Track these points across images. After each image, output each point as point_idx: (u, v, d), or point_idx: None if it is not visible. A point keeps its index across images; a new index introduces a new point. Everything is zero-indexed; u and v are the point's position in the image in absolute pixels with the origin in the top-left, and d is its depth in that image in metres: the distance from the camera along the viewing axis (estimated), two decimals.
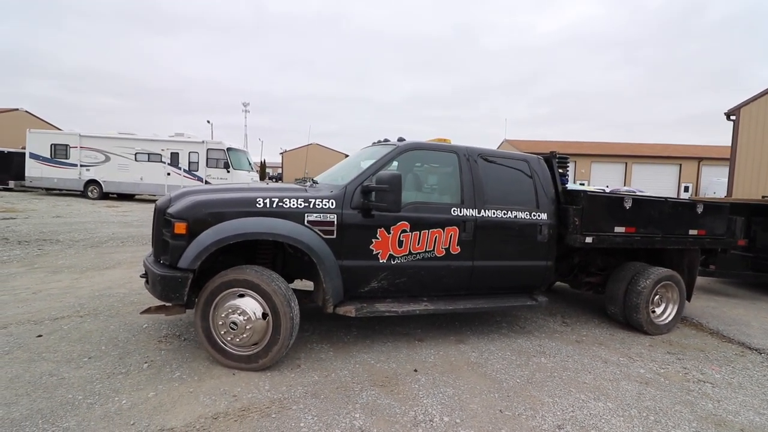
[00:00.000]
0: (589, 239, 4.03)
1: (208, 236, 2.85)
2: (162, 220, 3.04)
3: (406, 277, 3.46)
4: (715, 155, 27.08)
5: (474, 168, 3.77)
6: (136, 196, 19.21)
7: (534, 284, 4.10)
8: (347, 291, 3.30)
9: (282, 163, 62.00)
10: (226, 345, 2.97)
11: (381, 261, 3.34)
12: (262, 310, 2.93)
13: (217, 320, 2.93)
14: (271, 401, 2.60)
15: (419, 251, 3.45)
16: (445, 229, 3.53)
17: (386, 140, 4.15)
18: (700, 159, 27.83)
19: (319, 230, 3.13)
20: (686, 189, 27.54)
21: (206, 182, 16.66)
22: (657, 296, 4.50)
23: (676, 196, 10.39)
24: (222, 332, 2.93)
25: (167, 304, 3.26)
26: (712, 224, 4.74)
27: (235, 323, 2.88)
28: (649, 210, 4.38)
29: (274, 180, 56.90)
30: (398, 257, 3.39)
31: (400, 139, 3.85)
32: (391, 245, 3.35)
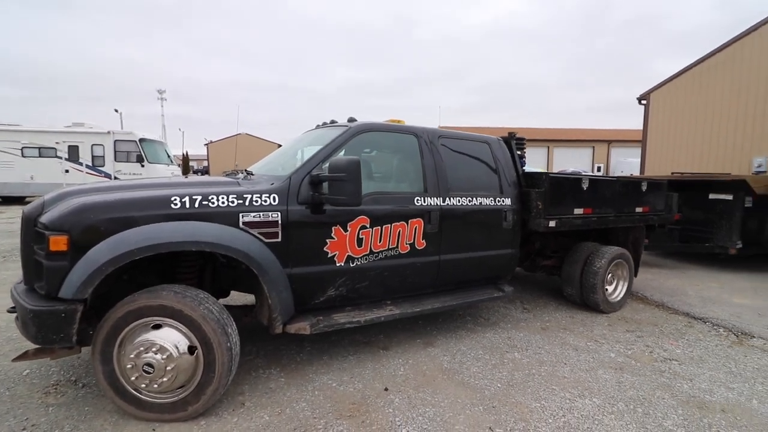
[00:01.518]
0: (552, 223, 3.85)
1: (101, 252, 2.08)
2: (32, 233, 2.20)
3: (368, 280, 2.96)
4: (622, 138, 30.30)
5: (435, 152, 3.36)
6: (27, 199, 16.23)
7: (500, 274, 3.85)
8: (299, 304, 2.73)
9: (207, 155, 57.28)
10: (140, 392, 2.25)
11: (338, 264, 2.80)
12: (187, 343, 2.24)
13: (125, 362, 2.19)
14: None
15: (382, 249, 2.97)
16: (409, 221, 3.08)
17: (333, 122, 3.57)
18: (609, 142, 30.91)
19: (258, 233, 2.50)
20: (599, 169, 30.32)
21: (115, 178, 14.54)
22: (609, 275, 4.52)
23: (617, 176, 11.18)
24: (133, 377, 2.20)
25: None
26: (654, 201, 4.87)
27: (150, 365, 2.17)
28: (603, 190, 4.35)
29: (199, 173, 52.60)
30: (358, 258, 2.87)
31: (351, 120, 3.29)
32: (349, 245, 2.82)
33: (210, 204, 2.40)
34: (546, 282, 5.56)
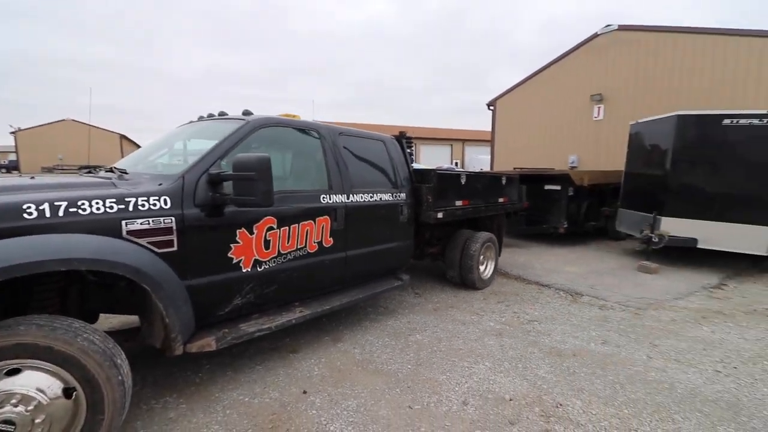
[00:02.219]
0: (440, 215, 4.27)
1: None
2: None
3: (277, 284, 2.82)
4: (474, 137, 34.99)
5: (337, 149, 3.37)
6: None
7: (399, 264, 4.10)
8: (201, 318, 2.44)
9: (15, 145, 44.72)
10: None
11: (245, 270, 2.60)
12: (61, 385, 1.80)
13: None
14: None
15: (290, 250, 2.86)
16: (317, 220, 3.04)
17: (222, 113, 3.24)
18: (464, 140, 35.37)
19: (148, 243, 2.14)
20: (456, 164, 34.41)
21: None
22: (482, 256, 5.26)
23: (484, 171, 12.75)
24: None
25: None
26: (510, 192, 5.82)
27: (9, 422, 1.67)
28: (476, 184, 5.00)
29: (3, 170, 40.85)
30: (266, 262, 2.71)
31: (246, 113, 3.04)
32: (256, 248, 2.64)
33: (80, 211, 1.95)
34: (430, 267, 6.13)
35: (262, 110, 3.11)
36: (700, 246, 6.03)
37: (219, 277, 2.47)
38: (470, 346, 3.43)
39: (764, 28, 8.80)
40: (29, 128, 44.91)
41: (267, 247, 2.71)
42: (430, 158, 32.12)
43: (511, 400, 2.63)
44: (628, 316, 4.29)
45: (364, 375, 2.92)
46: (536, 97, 14.00)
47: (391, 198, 3.79)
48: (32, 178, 2.39)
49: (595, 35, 12.17)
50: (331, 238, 3.16)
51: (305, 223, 2.95)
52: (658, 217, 6.20)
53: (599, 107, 12.07)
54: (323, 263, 3.14)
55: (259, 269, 2.68)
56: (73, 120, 46.44)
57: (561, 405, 2.58)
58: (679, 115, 6.08)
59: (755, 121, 5.57)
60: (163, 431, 2.25)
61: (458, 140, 35.72)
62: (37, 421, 1.72)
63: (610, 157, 10.81)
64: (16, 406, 1.70)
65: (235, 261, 2.55)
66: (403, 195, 3.95)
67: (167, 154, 3.17)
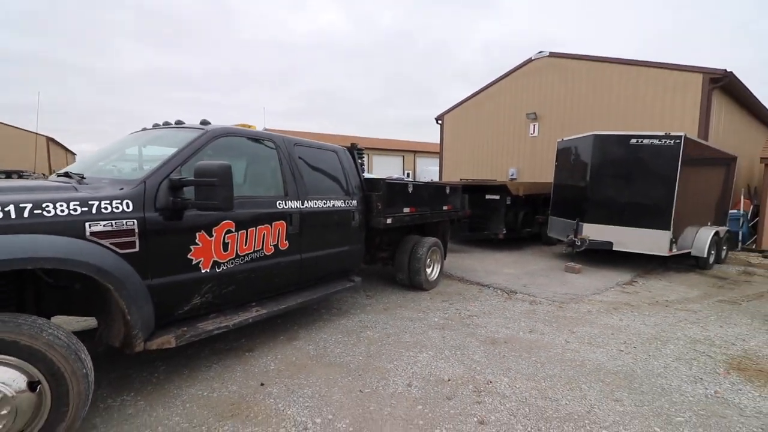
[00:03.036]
0: (389, 220, 4.62)
1: None
2: None
3: (235, 284, 2.99)
4: (425, 149, 36.35)
5: (292, 158, 3.61)
6: None
7: (351, 267, 4.38)
8: (160, 317, 2.56)
9: None
10: None
11: (204, 271, 2.75)
12: (26, 379, 1.88)
13: None
14: None
15: (247, 252, 3.05)
16: (273, 224, 3.25)
17: (179, 122, 3.37)
18: (415, 152, 36.62)
19: (111, 244, 2.25)
20: (408, 175, 35.45)
21: None
22: (428, 260, 5.68)
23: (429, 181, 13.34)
24: None
25: None
26: (454, 201, 6.34)
27: None
28: (422, 192, 5.43)
29: None
30: (224, 263, 2.88)
31: (204, 122, 3.20)
32: (214, 250, 2.81)
33: (45, 213, 2.04)
34: (380, 272, 6.45)
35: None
36: (615, 248, 6.92)
37: (179, 277, 2.61)
38: (416, 339, 3.78)
39: (668, 62, 10.28)
40: None
41: (225, 249, 2.88)
42: (382, 168, 32.80)
43: (449, 380, 3.00)
44: (553, 309, 4.89)
45: (319, 367, 3.15)
46: (480, 114, 15.04)
47: (343, 204, 4.08)
48: None
49: (530, 60, 13.41)
50: (286, 242, 3.38)
51: (262, 227, 3.16)
52: (580, 223, 7.04)
53: (534, 125, 13.25)
54: (279, 265, 3.34)
55: (217, 270, 2.84)
56: None
57: (491, 382, 2.99)
58: (595, 135, 6.99)
59: (655, 141, 6.57)
60: (123, 426, 2.33)
61: (410, 151, 36.86)
62: (2, 413, 1.79)
63: (544, 170, 11.89)
64: None
65: (194, 262, 2.70)
66: (354, 202, 4.26)
67: (123, 160, 3.23)
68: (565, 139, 8.18)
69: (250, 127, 3.70)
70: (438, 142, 17.13)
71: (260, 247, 3.15)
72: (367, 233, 4.66)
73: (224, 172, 2.47)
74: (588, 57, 12.00)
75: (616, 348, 3.75)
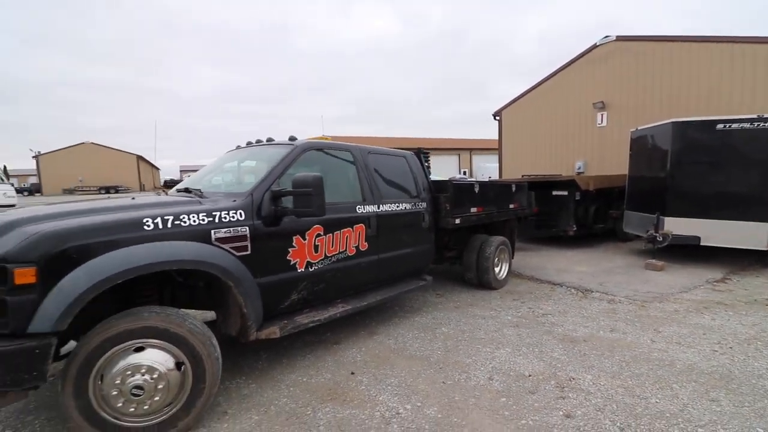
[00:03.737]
0: (457, 220, 4.74)
1: (78, 280, 2.03)
2: None
3: (324, 282, 3.31)
4: (481, 146, 35.61)
5: (367, 165, 3.89)
6: None
7: (422, 266, 4.57)
8: (266, 311, 2.93)
9: (38, 169, 46.46)
10: (120, 420, 2.21)
11: (299, 270, 3.10)
12: (173, 360, 2.30)
13: (107, 390, 2.14)
14: None
15: (334, 253, 3.36)
16: (354, 227, 3.54)
17: (270, 140, 3.79)
18: (471, 149, 36.05)
19: (230, 248, 2.65)
20: (464, 173, 34.94)
21: None
22: (496, 258, 5.69)
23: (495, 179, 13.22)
24: (119, 404, 2.16)
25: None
26: (520, 198, 6.27)
27: (140, 387, 2.17)
28: (488, 192, 5.48)
29: (26, 193, 42.28)
30: (315, 263, 3.21)
31: (292, 138, 3.59)
32: (308, 252, 3.15)
33: (182, 223, 2.47)
34: (448, 271, 6.56)
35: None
36: (702, 243, 6.39)
37: (280, 276, 2.97)
38: (491, 336, 3.86)
39: (755, 35, 9.22)
40: (50, 152, 46.69)
41: (316, 250, 3.21)
42: (439, 168, 32.66)
43: (530, 376, 3.06)
44: (634, 308, 4.68)
45: (401, 360, 3.37)
46: (541, 107, 14.49)
47: (413, 207, 4.28)
48: (133, 198, 2.94)
49: (595, 46, 12.68)
50: (366, 243, 3.65)
51: (345, 230, 3.46)
52: (661, 217, 6.58)
53: (602, 114, 12.50)
54: (360, 264, 3.62)
55: (310, 269, 3.17)
56: (92, 143, 48.18)
57: (573, 379, 3.00)
58: (674, 122, 6.51)
59: (746, 125, 5.97)
60: (242, 403, 2.72)
61: (465, 149, 36.29)
62: (159, 387, 2.23)
63: (614, 162, 11.19)
64: (143, 375, 2.20)
65: (292, 262, 3.05)
66: (424, 204, 4.44)
67: (226, 175, 3.70)
68: (639, 128, 7.69)
69: (326, 139, 4.05)
70: (495, 138, 16.76)
71: (344, 249, 3.45)
72: (436, 233, 4.81)
73: (318, 182, 2.79)
74: (661, 37, 11.11)
75: (709, 348, 3.54)
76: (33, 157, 46.17)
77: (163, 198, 3.00)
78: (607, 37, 12.39)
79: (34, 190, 45.29)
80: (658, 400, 2.70)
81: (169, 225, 2.42)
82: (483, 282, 5.45)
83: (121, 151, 50.34)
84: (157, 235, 2.36)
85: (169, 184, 39.26)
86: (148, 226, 2.35)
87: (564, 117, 13.74)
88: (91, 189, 41.96)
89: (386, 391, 2.85)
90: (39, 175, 46.09)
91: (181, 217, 2.48)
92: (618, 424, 2.44)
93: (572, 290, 5.47)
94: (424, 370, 3.17)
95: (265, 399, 2.78)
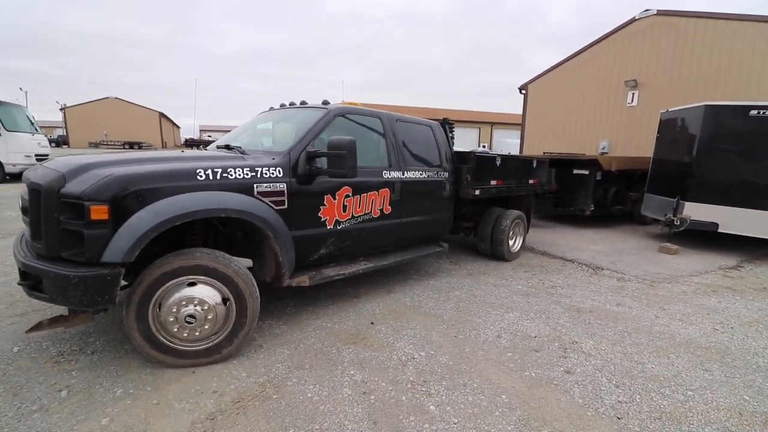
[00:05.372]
0: (477, 192, 4.90)
1: (144, 219, 2.31)
2: (57, 204, 2.27)
3: (350, 240, 3.57)
4: (502, 120, 34.85)
5: (394, 132, 4.04)
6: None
7: (440, 233, 4.79)
8: (298, 261, 3.21)
9: (64, 122, 47.58)
10: (174, 343, 2.56)
11: (328, 227, 3.35)
12: (220, 296, 2.61)
13: (165, 317, 2.47)
14: (261, 385, 2.46)
15: (360, 214, 3.59)
16: (380, 191, 3.74)
17: (303, 102, 3.96)
18: (492, 123, 35.34)
19: (270, 201, 2.90)
20: (484, 147, 34.42)
21: None
22: (511, 232, 5.85)
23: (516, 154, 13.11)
24: (174, 329, 2.50)
25: (65, 314, 2.57)
26: (540, 175, 6.34)
27: (192, 316, 2.50)
28: (509, 166, 5.57)
29: (53, 144, 43.63)
30: (343, 222, 3.46)
31: (325, 102, 3.75)
32: (336, 210, 3.38)
33: (229, 176, 2.72)
34: (462, 241, 6.77)
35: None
36: (720, 230, 6.40)
37: (312, 231, 3.23)
38: (501, 302, 4.11)
39: None
40: (76, 105, 47.55)
41: (344, 210, 3.45)
42: (458, 141, 32.29)
43: (535, 337, 3.31)
44: (643, 286, 4.84)
45: (416, 315, 3.66)
46: (569, 82, 14.09)
47: (436, 175, 4.44)
48: (182, 151, 3.19)
49: (633, 20, 12.12)
50: (389, 207, 3.87)
51: (371, 193, 3.67)
52: (681, 201, 6.59)
53: (633, 93, 12.12)
54: (383, 226, 3.86)
55: (338, 227, 3.42)
56: (117, 98, 48.75)
57: (576, 342, 3.25)
58: (707, 105, 6.37)
59: None
60: (274, 340, 3.06)
61: (486, 123, 35.59)
62: (208, 317, 2.55)
63: (641, 144, 10.98)
64: (195, 306, 2.52)
65: (322, 219, 3.30)
66: (446, 173, 4.60)
67: (263, 134, 3.91)
68: (670, 109, 7.52)
69: (354, 104, 4.18)
70: (518, 113, 16.44)
71: (369, 210, 3.67)
72: (455, 203, 4.99)
73: (352, 145, 2.98)
74: (703, 14, 10.55)
75: (710, 326, 3.72)
76: (60, 109, 47.19)
77: (210, 153, 3.23)
78: (647, 10, 11.80)
79: (62, 141, 46.54)
80: (654, 366, 2.93)
81: (218, 177, 2.67)
82: (496, 253, 5.65)
83: (144, 107, 50.89)
84: (208, 185, 2.61)
85: (189, 143, 39.82)
86: (201, 176, 2.60)
87: (592, 94, 13.36)
88: (116, 144, 43.00)
89: (403, 339, 3.15)
90: (66, 127, 47.23)
91: (228, 170, 2.73)
92: (614, 382, 2.69)
93: (583, 266, 5.64)
94: (437, 325, 3.46)
95: (295, 338, 3.11)
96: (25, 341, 2.88)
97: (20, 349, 2.78)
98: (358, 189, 3.54)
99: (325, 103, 3.75)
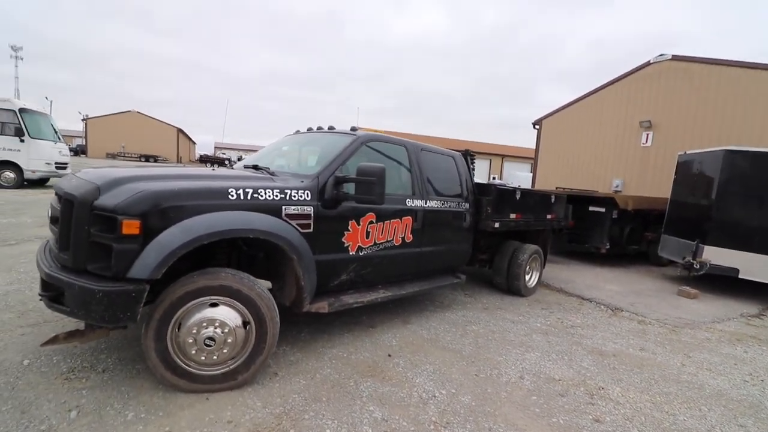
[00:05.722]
0: (497, 224, 4.85)
1: (174, 236, 2.28)
2: (89, 216, 2.26)
3: (371, 267, 3.51)
4: (513, 153, 35.14)
5: (419, 161, 4.05)
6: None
7: (458, 264, 4.71)
8: (318, 287, 3.15)
9: (85, 132, 48.80)
10: (190, 366, 2.47)
11: (351, 253, 3.30)
12: (241, 319, 2.54)
13: (183, 338, 2.40)
14: (277, 417, 2.35)
15: (382, 241, 3.55)
16: (402, 219, 3.71)
17: (331, 128, 4.00)
18: (503, 156, 35.59)
19: (296, 224, 2.88)
20: (494, 179, 34.58)
21: None
22: (528, 266, 5.75)
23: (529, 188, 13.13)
24: (192, 351, 2.42)
25: (81, 328, 2.51)
26: (558, 210, 6.30)
27: (212, 338, 2.42)
28: (528, 200, 5.54)
29: (72, 153, 44.49)
30: (365, 248, 3.41)
31: (353, 129, 3.79)
32: (360, 237, 3.34)
33: (259, 197, 2.71)
34: (476, 273, 6.66)
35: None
36: (741, 276, 6.25)
37: (335, 256, 3.18)
38: (520, 339, 3.98)
39: None
40: (98, 117, 48.86)
41: (367, 236, 3.41)
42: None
43: (559, 380, 3.17)
44: (665, 331, 4.68)
45: (434, 349, 3.54)
46: (583, 120, 14.25)
47: (457, 206, 4.42)
48: (213, 169, 3.20)
49: (648, 63, 12.36)
50: (411, 235, 3.82)
51: (395, 220, 3.64)
52: (700, 245, 6.47)
53: (648, 133, 12.21)
54: (404, 255, 3.80)
55: (360, 253, 3.37)
56: (138, 112, 50.10)
57: (603, 388, 3.10)
58: (727, 150, 6.36)
59: None
60: (290, 368, 2.95)
61: (497, 155, 35.87)
62: (228, 341, 2.47)
63: (655, 184, 10.95)
64: (216, 328, 2.45)
65: (345, 245, 3.25)
66: (467, 204, 4.57)
67: (290, 157, 3.94)
68: (688, 152, 7.52)
69: (378, 131, 4.22)
70: (528, 146, 16.58)
71: (391, 238, 3.63)
72: (474, 235, 4.93)
73: (381, 173, 2.98)
74: (719, 61, 10.74)
75: (740, 378, 3.55)
76: (82, 120, 48.49)
77: (240, 173, 3.24)
78: (662, 55, 12.06)
79: (80, 151, 47.57)
80: (686, 419, 2.77)
81: (249, 197, 2.66)
82: (512, 288, 5.53)
83: (163, 122, 52.19)
84: (239, 205, 2.60)
85: (204, 159, 40.44)
86: (232, 196, 2.59)
87: (606, 132, 13.48)
88: (133, 156, 43.88)
89: (422, 375, 3.03)
90: (86, 137, 48.39)
91: (259, 191, 2.72)
92: None
93: (602, 306, 5.49)
94: (456, 361, 3.33)
95: (310, 367, 3.00)
96: (35, 354, 2.81)
97: (30, 363, 2.71)
98: (382, 216, 3.51)
99: (354, 129, 3.79)
